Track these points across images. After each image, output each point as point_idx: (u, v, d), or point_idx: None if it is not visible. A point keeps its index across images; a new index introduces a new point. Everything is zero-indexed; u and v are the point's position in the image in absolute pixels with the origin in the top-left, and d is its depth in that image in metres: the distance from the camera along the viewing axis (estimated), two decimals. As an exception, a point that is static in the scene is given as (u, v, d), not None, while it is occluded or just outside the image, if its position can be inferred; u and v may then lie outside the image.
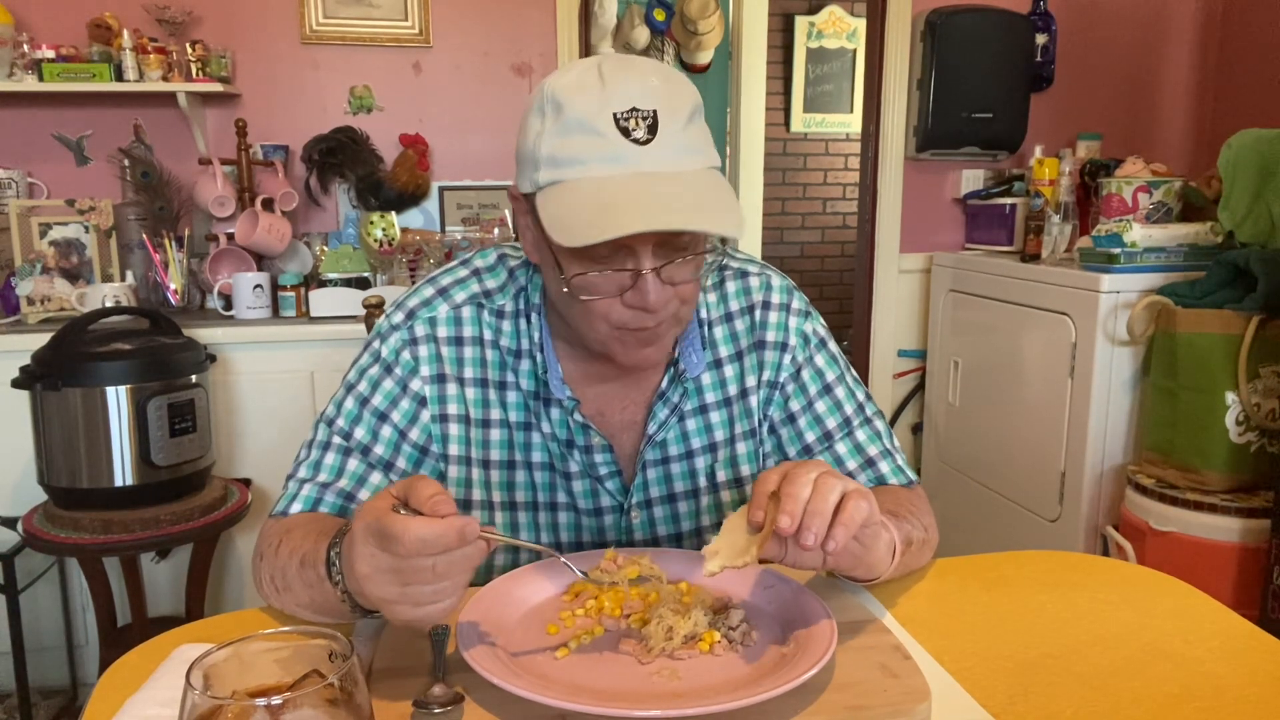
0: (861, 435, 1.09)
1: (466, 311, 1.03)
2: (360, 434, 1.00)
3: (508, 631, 0.83)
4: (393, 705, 0.73)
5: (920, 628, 0.90)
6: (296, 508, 0.98)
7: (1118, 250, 2.29)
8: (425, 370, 1.02)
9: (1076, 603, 0.96)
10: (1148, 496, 2.21)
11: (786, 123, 5.18)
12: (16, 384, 2.07)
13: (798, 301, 1.12)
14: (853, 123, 5.14)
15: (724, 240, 0.95)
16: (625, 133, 0.84)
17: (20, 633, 2.20)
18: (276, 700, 0.51)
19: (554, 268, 0.91)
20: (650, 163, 0.85)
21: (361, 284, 2.65)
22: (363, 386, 1.02)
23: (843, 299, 5.22)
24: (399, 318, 1.04)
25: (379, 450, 1.00)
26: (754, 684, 0.74)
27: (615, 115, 0.84)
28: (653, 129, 0.85)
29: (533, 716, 0.71)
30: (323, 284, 2.64)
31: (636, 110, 0.84)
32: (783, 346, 1.09)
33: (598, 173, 0.84)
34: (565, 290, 0.91)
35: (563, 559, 0.82)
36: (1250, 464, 2.14)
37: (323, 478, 0.99)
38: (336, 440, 1.01)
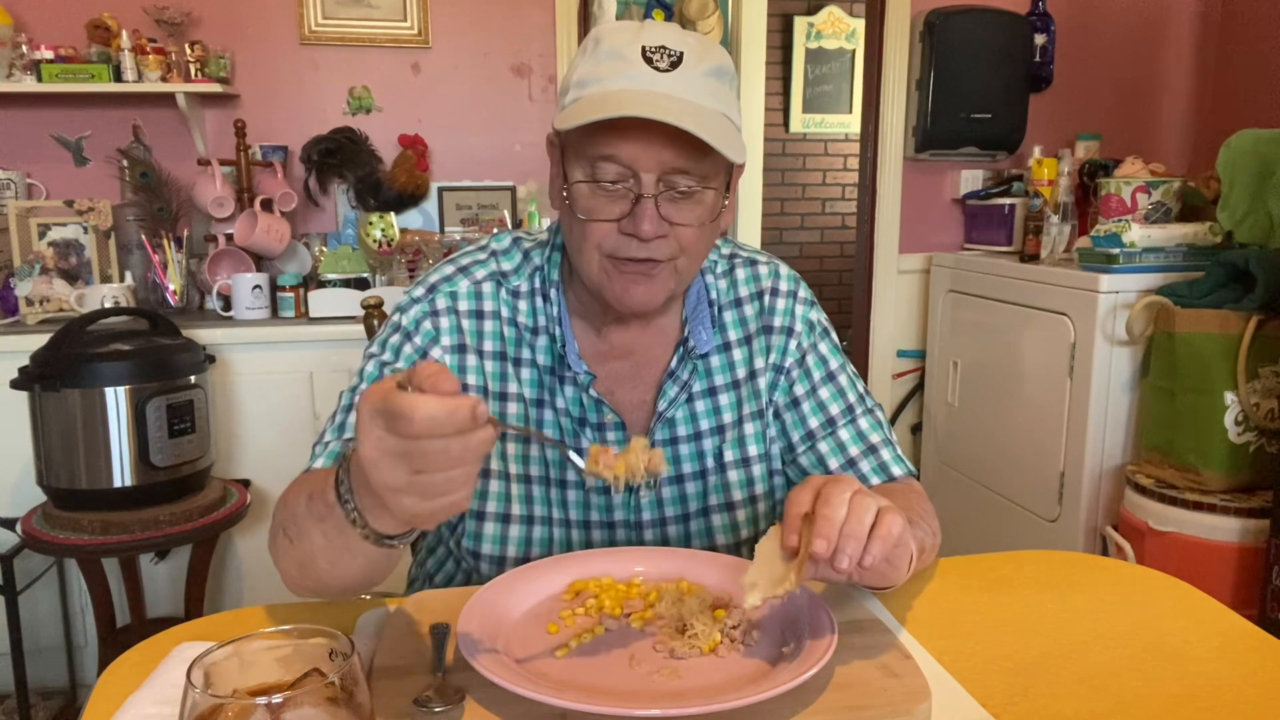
0: (864, 423, 1.11)
1: (487, 287, 1.06)
2: None
3: (508, 631, 0.83)
4: (393, 705, 0.73)
5: (920, 628, 0.90)
6: (320, 464, 0.97)
7: (1116, 250, 2.29)
8: (446, 340, 1.04)
9: (1076, 603, 0.96)
10: (1147, 496, 2.21)
11: (785, 123, 5.17)
12: (15, 385, 2.07)
13: (803, 291, 1.15)
14: (852, 123, 5.13)
15: (729, 187, 0.97)
16: (649, 61, 0.90)
17: (19, 634, 2.19)
18: (277, 699, 0.51)
19: (561, 187, 0.95)
20: (665, 87, 0.89)
21: (360, 284, 2.65)
22: (386, 355, 1.03)
23: (842, 299, 5.21)
24: (420, 292, 1.06)
25: None
26: (754, 684, 0.74)
27: (644, 47, 0.90)
28: (675, 65, 0.90)
29: (533, 716, 0.71)
30: (322, 284, 2.64)
31: (665, 48, 0.90)
32: (789, 331, 1.11)
33: (614, 87, 0.90)
34: (566, 201, 0.94)
35: (570, 452, 0.83)
36: (1249, 464, 2.14)
37: (349, 435, 0.99)
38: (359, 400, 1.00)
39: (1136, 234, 2.29)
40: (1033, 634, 0.89)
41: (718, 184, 0.94)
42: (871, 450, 1.10)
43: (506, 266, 1.07)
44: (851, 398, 1.11)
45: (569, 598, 0.90)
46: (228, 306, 2.57)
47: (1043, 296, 2.51)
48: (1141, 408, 2.35)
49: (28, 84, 2.53)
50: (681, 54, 0.90)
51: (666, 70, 0.89)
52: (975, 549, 1.15)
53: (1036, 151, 2.93)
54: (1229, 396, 2.12)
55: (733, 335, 1.10)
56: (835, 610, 0.83)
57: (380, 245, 2.72)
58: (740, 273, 1.13)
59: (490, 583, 0.89)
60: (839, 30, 5.11)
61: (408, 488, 0.65)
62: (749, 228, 3.13)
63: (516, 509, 1.05)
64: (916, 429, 3.31)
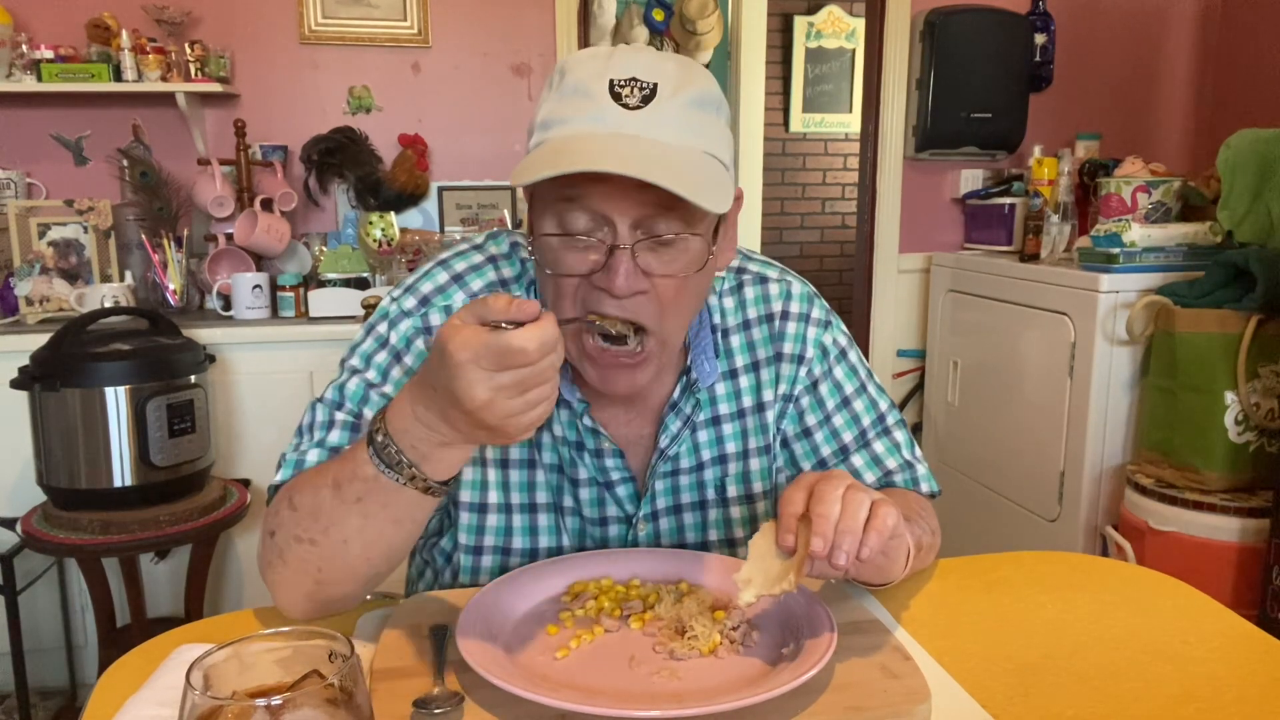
0: (879, 447, 1.05)
1: None
2: (370, 414, 0.94)
3: (508, 632, 0.83)
4: (393, 705, 0.73)
5: (920, 628, 0.90)
6: (313, 458, 0.92)
7: (1117, 250, 2.29)
8: None
9: (1076, 603, 0.96)
10: (1147, 496, 2.21)
11: (785, 123, 5.17)
12: (15, 384, 2.07)
13: (818, 310, 1.07)
14: (852, 123, 5.13)
15: (715, 237, 0.89)
16: (616, 97, 0.81)
17: (19, 634, 2.19)
18: (276, 700, 0.51)
19: (529, 239, 0.89)
20: (634, 128, 0.80)
21: (360, 284, 2.65)
22: (371, 374, 0.96)
23: (842, 299, 5.21)
24: (411, 303, 0.98)
25: None
26: (754, 684, 0.74)
27: (612, 80, 0.81)
28: (647, 99, 0.81)
29: (533, 716, 0.71)
30: (322, 284, 2.64)
31: (636, 80, 0.81)
32: (799, 359, 1.04)
33: (577, 130, 0.81)
34: (534, 255, 0.88)
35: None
36: (1249, 464, 2.14)
37: (334, 445, 0.93)
38: (341, 417, 0.94)
39: (1137, 234, 2.28)
40: (1033, 634, 0.89)
41: (704, 229, 0.85)
42: (887, 476, 1.05)
43: (507, 273, 1.00)
44: (866, 422, 1.05)
45: (569, 599, 0.90)
46: (228, 306, 2.57)
47: (1043, 296, 2.51)
48: (1141, 407, 2.35)
49: (28, 84, 2.53)
50: (655, 85, 0.81)
51: (637, 106, 0.80)
52: (975, 549, 1.15)
53: (1036, 151, 2.93)
54: (1229, 396, 2.12)
55: (739, 361, 1.03)
56: (835, 611, 0.83)
57: (380, 245, 2.72)
58: (749, 291, 1.05)
59: (490, 584, 0.89)
60: (839, 30, 5.11)
61: (523, 408, 0.71)
62: (749, 228, 3.12)
63: (518, 542, 1.00)
64: (916, 429, 3.31)
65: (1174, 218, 2.50)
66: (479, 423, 0.71)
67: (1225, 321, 2.11)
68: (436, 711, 0.72)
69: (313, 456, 0.93)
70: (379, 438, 0.77)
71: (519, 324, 0.69)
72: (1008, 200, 2.96)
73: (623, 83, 0.81)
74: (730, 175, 0.87)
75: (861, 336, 3.32)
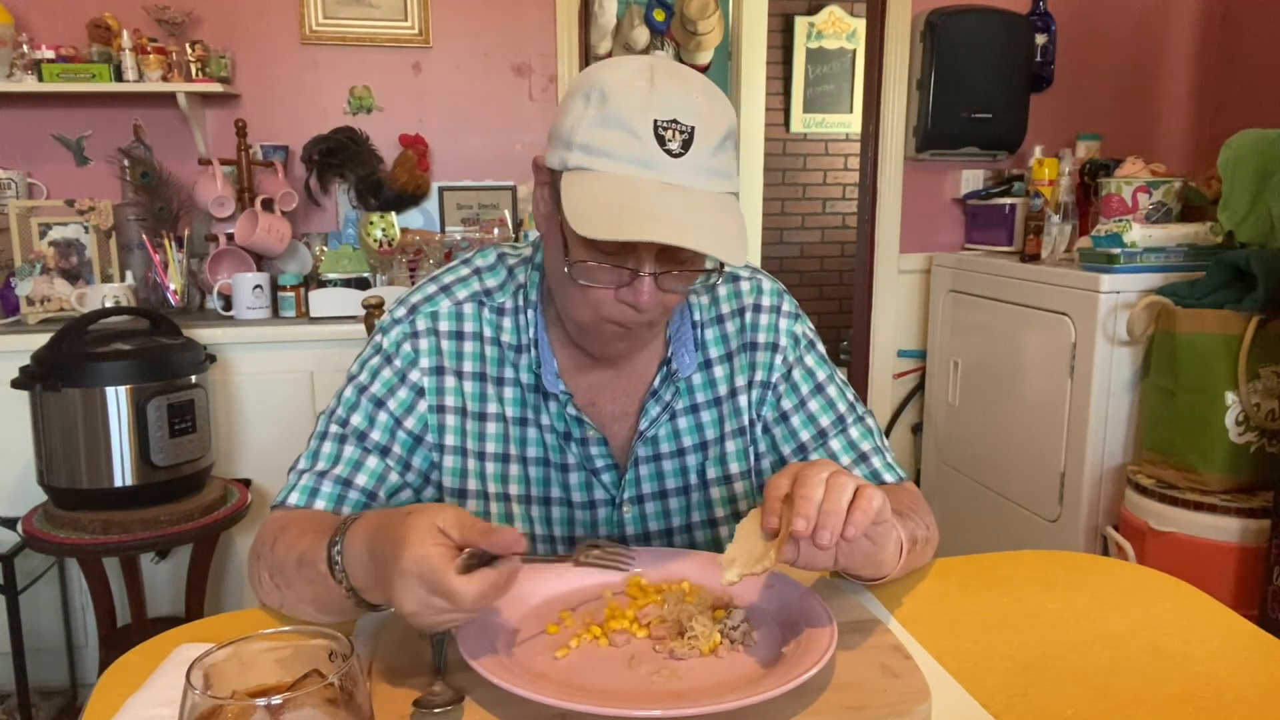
0: (855, 432, 1.11)
1: (468, 308, 1.06)
2: (357, 420, 1.02)
3: (508, 631, 0.83)
4: (393, 705, 0.73)
5: (920, 628, 0.90)
6: (294, 498, 1.00)
7: (1117, 250, 2.29)
8: (425, 362, 1.03)
9: (1076, 603, 0.96)
10: (1148, 497, 2.21)
11: (786, 123, 5.17)
12: (16, 384, 2.07)
13: (788, 304, 1.15)
14: (852, 123, 5.14)
15: (723, 265, 0.97)
16: (660, 141, 0.87)
17: (20, 633, 2.19)
18: (277, 700, 0.51)
19: (560, 246, 0.94)
20: (677, 176, 0.87)
21: (361, 284, 2.65)
22: (363, 377, 1.04)
23: (843, 299, 5.22)
24: (401, 313, 1.06)
25: (375, 435, 1.02)
26: (754, 684, 0.74)
27: (656, 122, 0.87)
28: (686, 144, 0.87)
29: (533, 716, 0.71)
30: (322, 284, 2.64)
31: (677, 122, 0.87)
32: (774, 347, 1.11)
33: (626, 171, 0.87)
34: (566, 270, 0.93)
35: (580, 561, 0.88)
36: (1250, 464, 2.14)
37: (320, 466, 1.01)
38: (334, 429, 1.03)
39: (1137, 234, 2.28)
40: (1033, 634, 0.89)
41: (712, 260, 0.94)
42: (863, 458, 1.10)
43: (491, 284, 1.07)
44: (842, 408, 1.11)
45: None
46: (228, 306, 2.57)
47: (1043, 296, 2.51)
48: (1142, 408, 2.35)
49: (29, 84, 2.53)
50: (693, 129, 0.87)
51: (679, 154, 0.87)
52: (975, 549, 1.15)
53: (1037, 151, 2.93)
54: (1229, 396, 2.12)
55: (714, 353, 1.10)
56: (835, 610, 0.83)
57: (381, 245, 2.72)
58: (722, 289, 1.12)
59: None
60: (839, 30, 5.12)
61: (438, 624, 0.74)
62: (749, 228, 3.12)
63: None
64: (917, 429, 3.31)
65: (1175, 218, 2.50)
66: (399, 609, 0.74)
67: (1226, 322, 2.11)
68: (436, 711, 0.72)
69: (304, 481, 1.00)
70: (335, 549, 0.81)
71: (487, 557, 0.72)
72: (1008, 200, 2.96)
73: (665, 124, 0.87)
74: (739, 206, 0.95)
75: (862, 336, 3.32)
